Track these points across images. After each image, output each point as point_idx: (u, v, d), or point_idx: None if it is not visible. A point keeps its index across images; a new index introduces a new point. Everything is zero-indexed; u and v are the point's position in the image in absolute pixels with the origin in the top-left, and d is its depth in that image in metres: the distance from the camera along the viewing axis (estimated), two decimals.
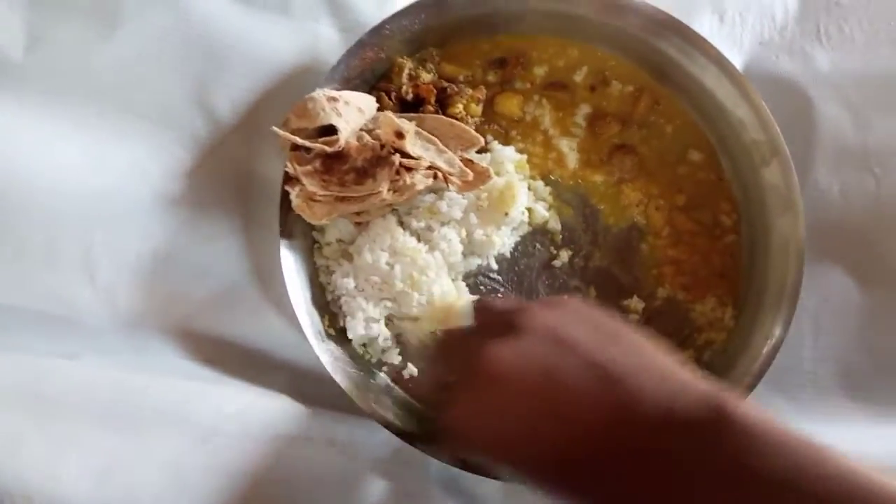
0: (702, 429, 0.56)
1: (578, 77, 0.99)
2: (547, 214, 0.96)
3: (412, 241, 0.90)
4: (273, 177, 0.92)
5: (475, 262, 0.95)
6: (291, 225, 0.91)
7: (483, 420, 0.65)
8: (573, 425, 0.60)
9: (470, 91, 0.95)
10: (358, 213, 0.90)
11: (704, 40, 0.93)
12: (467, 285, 0.95)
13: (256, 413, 0.89)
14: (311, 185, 0.86)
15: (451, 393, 0.68)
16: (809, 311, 0.95)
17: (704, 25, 0.99)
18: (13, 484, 0.81)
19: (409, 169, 0.87)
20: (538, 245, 0.97)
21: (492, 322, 0.71)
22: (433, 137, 0.90)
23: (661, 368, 0.61)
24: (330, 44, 0.96)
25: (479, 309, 0.76)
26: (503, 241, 0.94)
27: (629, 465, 0.58)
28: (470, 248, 0.94)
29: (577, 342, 0.63)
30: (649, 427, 0.57)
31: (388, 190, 0.86)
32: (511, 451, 0.63)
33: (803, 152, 0.96)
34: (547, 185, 0.97)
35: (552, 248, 0.97)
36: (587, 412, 0.59)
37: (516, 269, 0.96)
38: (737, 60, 0.98)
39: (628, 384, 0.59)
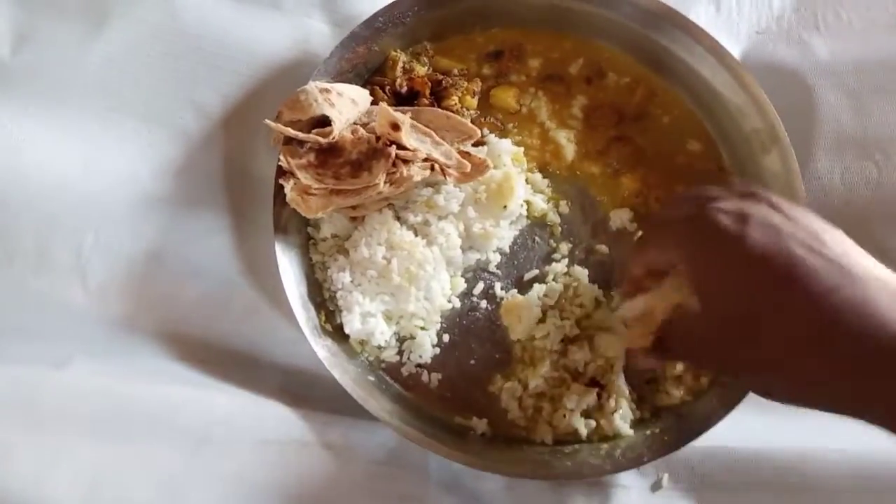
0: None
1: (574, 69, 0.98)
2: (546, 207, 0.95)
3: (409, 235, 0.89)
4: (266, 173, 0.90)
5: (474, 257, 0.93)
6: (285, 221, 0.90)
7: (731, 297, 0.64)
8: (821, 310, 0.59)
9: (465, 84, 0.94)
10: (354, 208, 0.89)
11: (701, 30, 0.93)
12: (466, 280, 0.94)
13: (249, 418, 0.88)
14: (306, 179, 0.85)
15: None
16: None
17: (701, 15, 0.98)
18: (2, 496, 0.79)
19: (405, 161, 0.85)
20: (537, 238, 0.95)
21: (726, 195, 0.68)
22: (429, 130, 0.88)
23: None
24: (322, 38, 0.95)
25: (703, 191, 0.71)
26: (502, 234, 0.92)
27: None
28: (468, 242, 0.92)
29: (820, 232, 0.62)
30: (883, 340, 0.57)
31: (385, 182, 0.84)
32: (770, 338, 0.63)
33: (803, 140, 0.95)
34: (545, 177, 0.96)
35: (552, 241, 0.95)
36: (833, 305, 0.59)
37: (515, 262, 0.95)
38: (734, 50, 0.97)
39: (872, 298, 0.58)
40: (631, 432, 0.88)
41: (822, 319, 0.59)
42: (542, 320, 0.91)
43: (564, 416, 0.88)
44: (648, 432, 0.89)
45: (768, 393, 0.66)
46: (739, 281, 0.63)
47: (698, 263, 0.67)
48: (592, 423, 0.88)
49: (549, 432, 0.89)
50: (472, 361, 0.92)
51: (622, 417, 0.88)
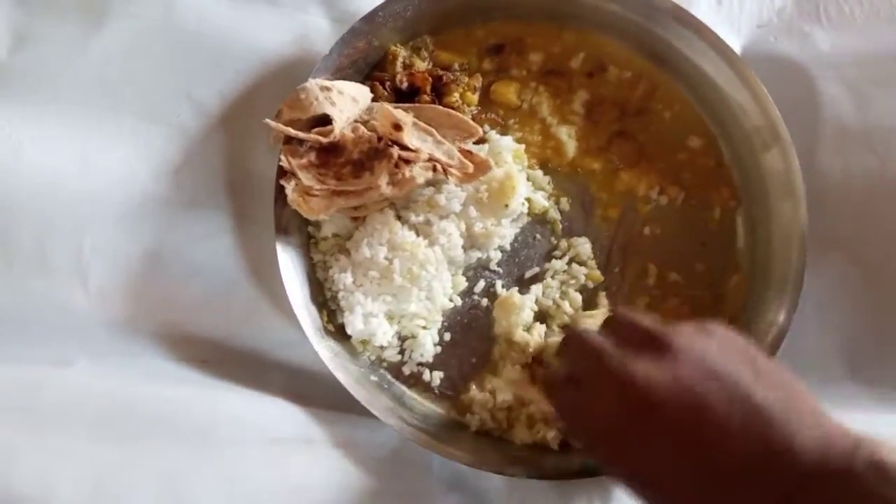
0: (857, 479, 0.55)
1: (575, 63, 0.97)
2: (547, 204, 0.94)
3: (411, 236, 0.89)
4: (266, 172, 0.90)
5: (475, 255, 0.93)
6: (286, 221, 0.90)
7: (620, 433, 0.65)
8: (718, 462, 0.59)
9: (466, 79, 0.94)
10: (355, 208, 0.88)
11: (702, 24, 0.92)
12: (467, 278, 0.94)
13: (253, 417, 0.88)
14: (307, 179, 0.84)
15: (580, 398, 0.69)
16: (814, 297, 0.93)
17: (702, 9, 0.97)
18: (6, 496, 0.80)
19: (407, 161, 0.85)
20: (538, 235, 0.95)
21: (632, 336, 0.69)
22: (430, 128, 0.88)
23: (813, 412, 0.60)
24: (321, 34, 0.94)
25: (621, 319, 0.73)
26: (503, 232, 0.92)
27: None
28: (470, 242, 0.92)
29: (730, 375, 0.62)
30: (799, 473, 0.57)
31: (387, 184, 0.84)
32: (651, 483, 0.64)
33: (805, 133, 0.95)
34: (546, 174, 0.95)
35: (552, 238, 0.95)
36: (735, 451, 0.59)
37: (517, 260, 0.95)
38: (735, 44, 0.97)
39: (781, 427, 0.59)
40: None
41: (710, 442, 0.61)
42: (529, 328, 0.92)
43: (533, 427, 0.89)
44: None
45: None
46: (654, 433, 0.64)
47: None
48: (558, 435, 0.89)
49: (529, 436, 0.89)
50: (474, 360, 0.93)
51: None
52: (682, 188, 0.96)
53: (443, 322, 0.93)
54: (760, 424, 0.59)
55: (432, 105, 0.91)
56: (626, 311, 0.75)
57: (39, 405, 0.84)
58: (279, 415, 0.88)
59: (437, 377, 0.92)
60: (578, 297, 0.94)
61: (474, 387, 0.91)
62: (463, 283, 0.93)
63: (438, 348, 0.92)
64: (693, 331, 0.67)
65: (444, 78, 0.93)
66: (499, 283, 0.94)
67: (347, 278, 0.88)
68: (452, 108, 0.92)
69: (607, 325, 0.76)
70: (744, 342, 0.67)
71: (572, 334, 0.77)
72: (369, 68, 0.95)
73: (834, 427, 0.59)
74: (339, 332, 0.91)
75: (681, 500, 0.62)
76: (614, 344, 0.69)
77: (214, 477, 0.85)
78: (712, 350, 0.65)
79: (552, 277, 0.94)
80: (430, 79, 0.93)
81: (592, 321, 0.89)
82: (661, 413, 0.62)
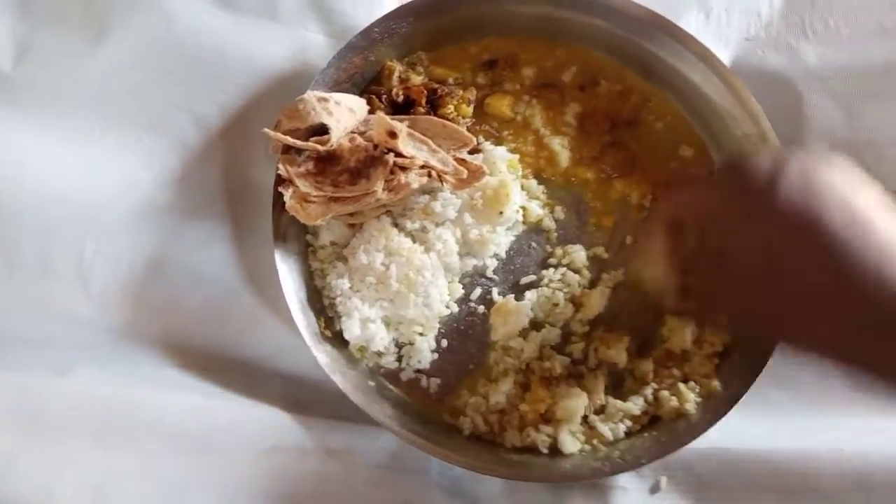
0: None
1: (567, 77, 0.99)
2: (541, 212, 0.96)
3: (407, 242, 0.90)
4: (264, 181, 0.91)
5: (471, 263, 0.94)
6: (284, 229, 0.91)
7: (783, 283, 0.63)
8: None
9: (461, 92, 0.96)
10: (352, 215, 0.90)
11: (691, 37, 0.94)
12: (463, 286, 0.95)
13: (251, 425, 0.88)
14: (305, 187, 0.86)
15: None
16: None
17: (691, 23, 0.99)
18: (8, 503, 0.80)
19: (403, 168, 0.86)
20: (533, 244, 0.96)
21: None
22: (426, 138, 0.89)
23: None
24: (319, 48, 0.96)
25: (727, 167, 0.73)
26: (499, 240, 0.94)
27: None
28: (466, 249, 0.93)
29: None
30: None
31: (383, 189, 0.85)
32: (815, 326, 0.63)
33: (793, 145, 0.96)
34: (540, 183, 0.97)
35: (547, 246, 0.96)
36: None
37: (512, 267, 0.96)
38: (724, 57, 0.98)
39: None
40: (610, 435, 0.89)
41: (840, 278, 0.59)
42: (524, 334, 0.92)
43: (524, 430, 0.90)
44: (646, 434, 0.90)
45: (788, 345, 0.66)
46: (765, 231, 0.62)
47: (727, 211, 0.66)
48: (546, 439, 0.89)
49: (520, 439, 0.90)
50: (471, 366, 0.93)
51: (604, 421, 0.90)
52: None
53: (440, 329, 0.93)
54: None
55: (428, 116, 0.92)
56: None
57: (41, 413, 0.85)
58: (276, 423, 0.89)
59: (434, 383, 0.92)
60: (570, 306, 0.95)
61: (466, 391, 0.92)
62: (459, 291, 0.94)
63: (435, 355, 0.93)
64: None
65: (439, 91, 0.95)
66: (495, 291, 0.95)
67: (345, 284, 0.89)
68: (447, 120, 0.93)
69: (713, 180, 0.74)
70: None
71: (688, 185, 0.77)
72: (366, 83, 0.97)
73: None
74: (337, 339, 0.92)
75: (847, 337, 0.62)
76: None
77: (214, 485, 0.85)
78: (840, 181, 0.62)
79: (547, 285, 0.95)
80: (426, 92, 0.94)
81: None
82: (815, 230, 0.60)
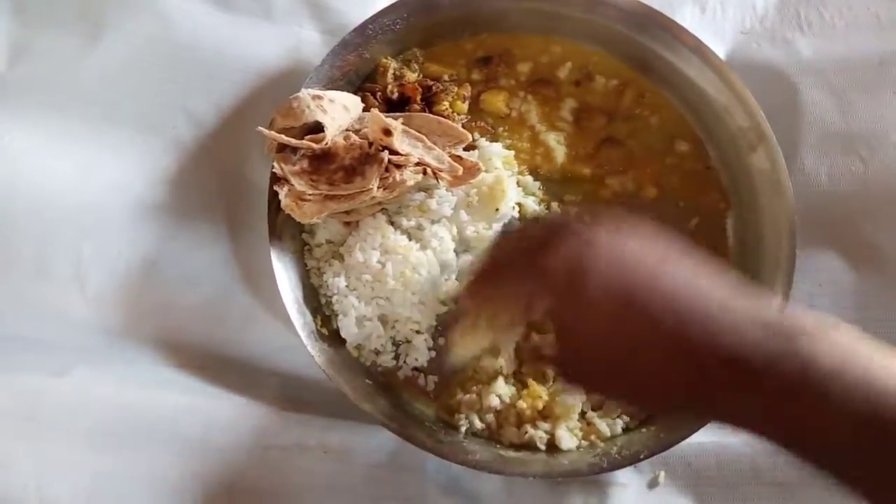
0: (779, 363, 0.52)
1: (562, 73, 0.99)
2: (537, 209, 0.96)
3: (403, 240, 0.90)
4: (260, 180, 0.91)
5: (468, 260, 0.94)
6: (280, 228, 0.91)
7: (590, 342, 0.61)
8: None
9: (455, 89, 0.96)
10: (348, 213, 0.89)
11: (686, 31, 0.94)
12: (460, 282, 0.94)
13: (248, 424, 0.88)
14: (300, 185, 0.86)
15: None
16: (803, 298, 0.94)
17: (686, 17, 1.00)
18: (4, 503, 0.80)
19: (398, 165, 0.86)
20: None
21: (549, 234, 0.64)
22: (421, 135, 0.89)
23: (749, 310, 0.56)
24: (313, 46, 0.96)
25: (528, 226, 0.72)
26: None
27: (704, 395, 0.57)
28: (462, 245, 0.93)
29: (646, 266, 0.59)
30: (720, 361, 0.54)
31: (378, 187, 0.85)
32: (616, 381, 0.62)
33: (789, 139, 0.96)
34: (536, 179, 0.97)
35: None
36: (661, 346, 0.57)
37: None
38: (719, 50, 0.99)
39: (722, 334, 0.55)
40: (607, 431, 0.89)
41: (669, 342, 0.56)
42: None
43: (521, 427, 0.90)
44: (644, 430, 0.90)
45: (644, 410, 0.67)
46: (590, 326, 0.60)
47: (552, 314, 0.63)
48: (544, 435, 0.89)
49: (517, 436, 0.90)
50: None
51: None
52: (670, 191, 0.97)
53: (436, 326, 0.93)
54: (681, 316, 0.56)
55: (422, 113, 0.92)
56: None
57: (37, 414, 0.85)
58: (273, 421, 0.89)
59: (431, 381, 0.92)
60: None
61: (460, 389, 0.92)
62: (456, 288, 0.93)
63: (433, 353, 0.93)
64: (608, 225, 0.62)
65: (434, 88, 0.95)
66: None
67: (341, 282, 0.89)
68: (442, 117, 0.93)
69: (521, 233, 0.72)
70: (667, 238, 0.62)
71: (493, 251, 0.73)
72: (361, 80, 0.96)
73: (757, 312, 0.56)
74: (333, 338, 0.91)
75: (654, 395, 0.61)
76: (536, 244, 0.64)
77: (210, 484, 0.85)
78: (638, 246, 0.61)
79: None
80: (420, 89, 0.94)
81: None
82: (599, 302, 0.58)
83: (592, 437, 0.89)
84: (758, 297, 0.58)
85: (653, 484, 0.91)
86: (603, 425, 0.89)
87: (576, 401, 0.89)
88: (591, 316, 0.59)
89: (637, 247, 0.60)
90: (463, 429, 0.90)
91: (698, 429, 0.86)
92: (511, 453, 0.89)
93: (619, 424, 0.90)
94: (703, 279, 0.58)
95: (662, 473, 0.91)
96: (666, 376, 0.58)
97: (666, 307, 0.56)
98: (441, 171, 0.88)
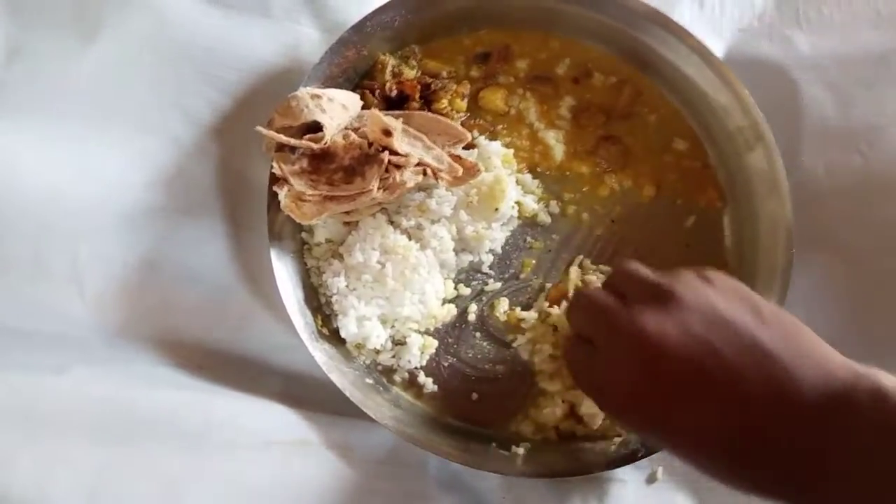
0: (857, 408, 0.58)
1: (561, 70, 0.99)
2: (536, 207, 0.96)
3: (403, 240, 0.90)
4: (259, 179, 0.91)
5: (467, 259, 0.94)
6: (280, 227, 0.91)
7: (643, 393, 0.66)
8: (732, 405, 0.62)
9: (454, 86, 0.95)
10: (347, 213, 0.89)
11: (685, 29, 0.94)
12: (460, 282, 0.95)
13: (249, 420, 0.88)
14: (300, 185, 0.85)
15: (596, 360, 0.71)
16: (800, 297, 0.94)
17: (685, 14, 0.99)
18: (4, 502, 0.80)
19: (398, 166, 0.86)
20: (529, 238, 0.96)
21: (635, 289, 0.71)
22: (420, 134, 0.89)
23: (816, 352, 0.63)
24: (311, 44, 0.96)
25: (622, 274, 0.75)
26: (494, 236, 0.94)
27: (785, 444, 0.60)
28: (461, 245, 0.94)
29: (735, 321, 0.64)
30: (807, 411, 0.59)
31: (378, 188, 0.85)
32: (674, 435, 0.66)
33: (789, 135, 0.97)
34: (535, 177, 0.97)
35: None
36: (749, 395, 0.61)
37: (508, 263, 0.96)
38: (718, 47, 0.99)
39: (789, 370, 0.61)
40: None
41: (729, 409, 0.62)
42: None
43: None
44: None
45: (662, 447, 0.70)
46: (651, 378, 0.66)
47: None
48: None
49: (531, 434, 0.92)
50: (467, 361, 0.94)
51: None
52: (668, 189, 0.98)
53: (436, 326, 0.94)
54: (770, 367, 0.61)
55: (421, 112, 0.92)
56: (626, 264, 0.76)
57: (37, 411, 0.85)
58: (275, 418, 0.89)
59: (430, 380, 0.93)
60: None
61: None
62: (453, 291, 0.95)
63: (432, 353, 0.93)
64: (694, 277, 0.70)
65: (433, 85, 0.94)
66: (490, 287, 0.95)
67: (341, 282, 0.89)
68: (441, 115, 0.93)
69: (610, 281, 0.77)
70: (744, 288, 0.70)
71: (579, 295, 0.80)
72: (359, 77, 0.96)
73: (838, 364, 0.62)
74: (333, 337, 0.92)
75: (703, 446, 0.64)
76: (620, 299, 0.71)
77: (211, 480, 0.85)
78: (716, 296, 0.67)
79: None
80: (419, 86, 0.94)
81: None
82: (676, 362, 0.64)
83: (619, 429, 0.91)
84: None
85: (651, 480, 0.92)
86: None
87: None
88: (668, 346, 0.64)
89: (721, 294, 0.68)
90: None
91: None
92: (510, 451, 0.89)
93: None
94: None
95: (661, 469, 0.92)
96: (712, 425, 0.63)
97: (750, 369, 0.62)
98: (441, 172, 0.88)
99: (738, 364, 0.62)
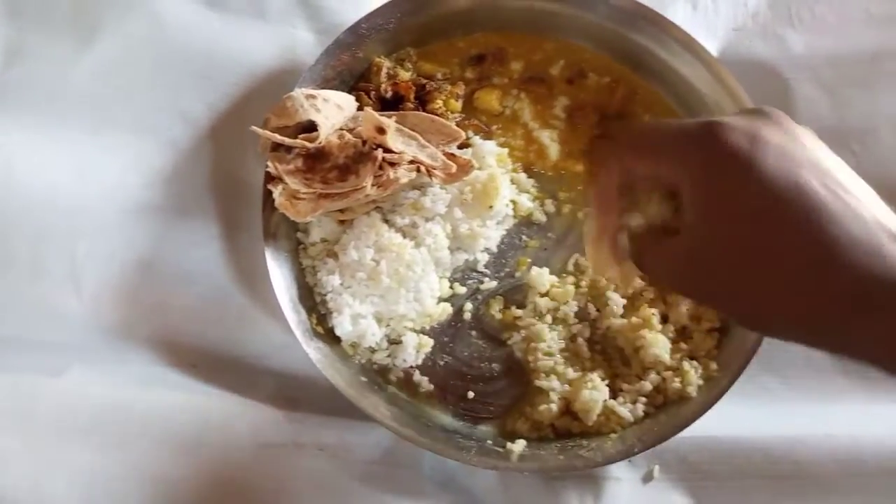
0: None
1: (555, 70, 0.99)
2: (531, 206, 0.96)
3: (397, 237, 0.90)
4: (254, 180, 0.91)
5: (462, 257, 0.95)
6: (275, 227, 0.91)
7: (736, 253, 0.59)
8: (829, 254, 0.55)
9: (449, 87, 0.96)
10: (342, 211, 0.90)
11: (678, 28, 0.94)
12: (455, 280, 0.95)
13: (244, 422, 0.89)
14: (294, 184, 0.86)
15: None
16: None
17: (678, 14, 1.00)
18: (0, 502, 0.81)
19: (391, 164, 0.87)
20: (524, 237, 0.97)
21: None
22: (415, 133, 0.90)
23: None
24: (307, 46, 0.97)
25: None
26: (489, 234, 0.94)
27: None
28: (456, 243, 0.94)
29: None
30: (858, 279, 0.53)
31: (372, 185, 0.86)
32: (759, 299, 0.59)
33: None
34: (530, 176, 0.97)
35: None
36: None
37: (503, 261, 0.96)
38: (711, 47, 0.99)
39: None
40: (630, 417, 0.89)
41: (825, 255, 0.54)
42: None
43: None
44: (654, 419, 0.90)
45: (755, 325, 0.63)
46: (745, 207, 0.57)
47: (701, 184, 0.59)
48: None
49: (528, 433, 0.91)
50: (462, 360, 0.94)
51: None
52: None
53: (431, 325, 0.94)
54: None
55: (415, 111, 0.93)
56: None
57: (33, 412, 0.85)
58: (269, 419, 0.89)
59: (425, 379, 0.93)
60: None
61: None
62: (449, 286, 0.95)
63: (427, 350, 0.93)
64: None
65: (428, 86, 0.95)
66: (485, 285, 0.96)
67: (335, 280, 0.89)
68: (436, 115, 0.93)
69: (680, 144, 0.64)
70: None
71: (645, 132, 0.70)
72: (354, 79, 0.97)
73: None
74: (328, 336, 0.92)
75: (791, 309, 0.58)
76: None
77: (206, 481, 0.86)
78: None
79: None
80: (414, 87, 0.95)
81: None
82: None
83: (615, 426, 0.90)
84: None
85: (647, 478, 0.92)
86: (625, 411, 0.89)
87: (598, 396, 0.89)
88: (751, 202, 0.57)
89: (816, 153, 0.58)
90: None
91: (691, 423, 0.87)
92: (506, 451, 0.89)
93: (640, 409, 0.90)
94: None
95: (657, 467, 0.91)
96: (798, 287, 0.56)
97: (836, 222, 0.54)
98: (435, 169, 0.88)
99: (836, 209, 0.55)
